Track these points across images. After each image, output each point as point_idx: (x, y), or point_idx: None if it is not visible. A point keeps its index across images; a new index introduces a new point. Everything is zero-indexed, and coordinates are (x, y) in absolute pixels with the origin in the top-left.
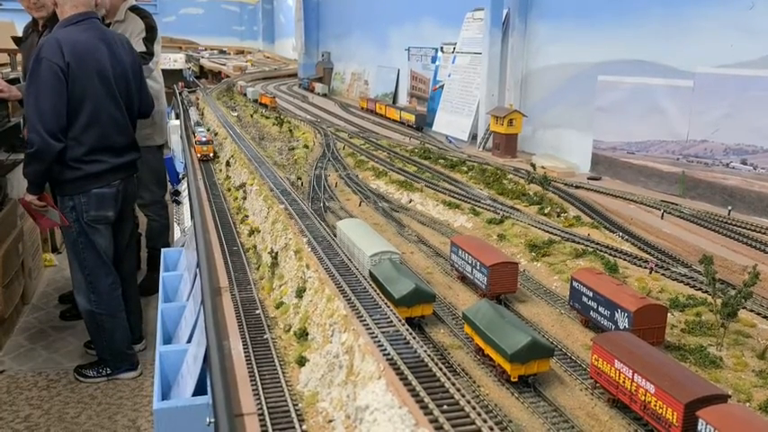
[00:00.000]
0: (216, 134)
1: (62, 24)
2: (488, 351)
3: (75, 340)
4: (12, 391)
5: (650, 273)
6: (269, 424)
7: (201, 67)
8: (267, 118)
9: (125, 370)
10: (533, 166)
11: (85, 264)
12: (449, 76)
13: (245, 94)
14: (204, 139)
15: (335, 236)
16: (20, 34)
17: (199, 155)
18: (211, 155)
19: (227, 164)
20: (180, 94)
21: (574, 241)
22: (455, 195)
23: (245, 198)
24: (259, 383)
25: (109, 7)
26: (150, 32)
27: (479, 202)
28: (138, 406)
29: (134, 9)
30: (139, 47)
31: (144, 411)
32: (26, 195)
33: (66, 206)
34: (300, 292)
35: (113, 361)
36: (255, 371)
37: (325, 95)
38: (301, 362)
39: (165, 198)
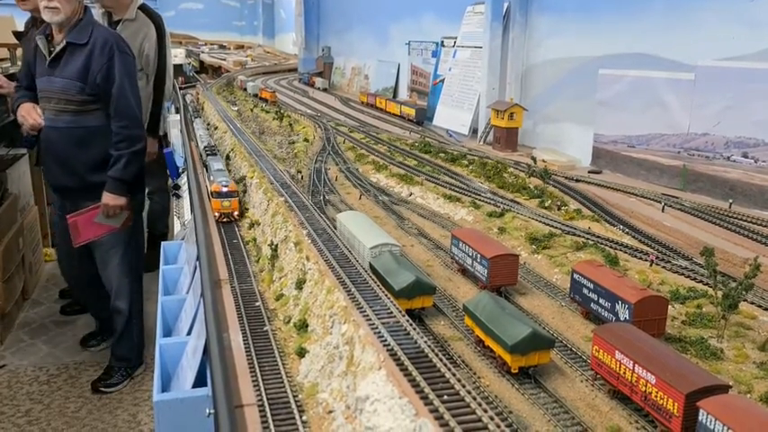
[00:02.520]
0: (216, 128)
1: (93, 21)
2: (489, 343)
3: (76, 335)
4: (12, 386)
5: (651, 265)
6: (269, 415)
7: (202, 63)
8: (267, 112)
9: (137, 365)
10: (534, 159)
11: (133, 264)
12: (449, 70)
13: (245, 89)
14: (226, 189)
15: (336, 228)
16: (19, 28)
17: (216, 213)
18: (236, 213)
19: (227, 158)
20: (182, 92)
21: (574, 234)
22: (455, 189)
23: (245, 191)
24: (259, 375)
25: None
26: (161, 39)
27: (480, 195)
28: (139, 400)
29: (143, 8)
30: (152, 51)
31: (144, 406)
32: (114, 199)
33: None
34: (300, 284)
35: (137, 358)
36: (255, 362)
37: (325, 90)
38: (301, 353)
39: (167, 184)
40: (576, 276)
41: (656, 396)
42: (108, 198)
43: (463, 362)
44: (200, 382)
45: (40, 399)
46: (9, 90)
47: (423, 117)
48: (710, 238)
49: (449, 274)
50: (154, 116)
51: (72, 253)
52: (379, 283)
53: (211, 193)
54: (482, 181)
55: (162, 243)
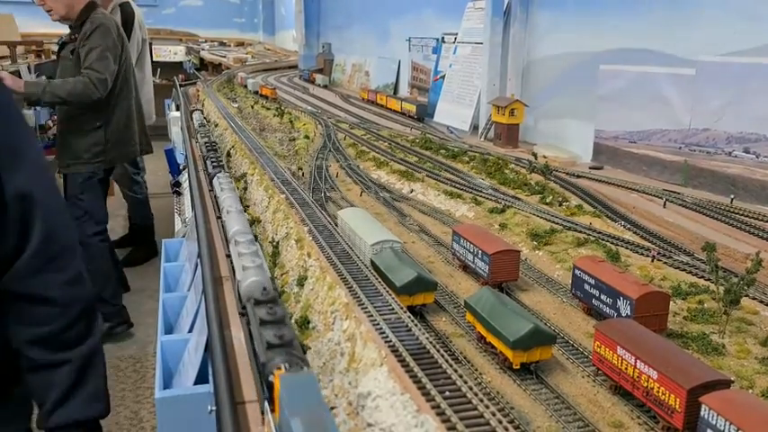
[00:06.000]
0: (216, 125)
1: None
2: (490, 339)
3: None
4: None
5: (652, 261)
6: None
7: (202, 60)
8: (268, 109)
9: None
10: (535, 155)
11: None
12: (450, 66)
13: (245, 86)
14: None
15: (337, 225)
16: (18, 26)
17: None
18: None
19: (228, 155)
20: (182, 89)
21: (576, 230)
22: (456, 185)
23: (245, 188)
24: None
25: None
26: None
27: (481, 191)
28: (141, 398)
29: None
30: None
31: (146, 403)
32: None
33: None
34: (301, 281)
35: None
36: None
37: (325, 87)
38: (302, 350)
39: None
40: (577, 272)
41: (657, 391)
42: None
43: (465, 358)
44: (201, 379)
45: None
46: (14, 86)
47: (423, 113)
48: (712, 234)
49: (450, 271)
50: None
51: None
52: (380, 279)
53: None
54: (483, 177)
55: (163, 240)
